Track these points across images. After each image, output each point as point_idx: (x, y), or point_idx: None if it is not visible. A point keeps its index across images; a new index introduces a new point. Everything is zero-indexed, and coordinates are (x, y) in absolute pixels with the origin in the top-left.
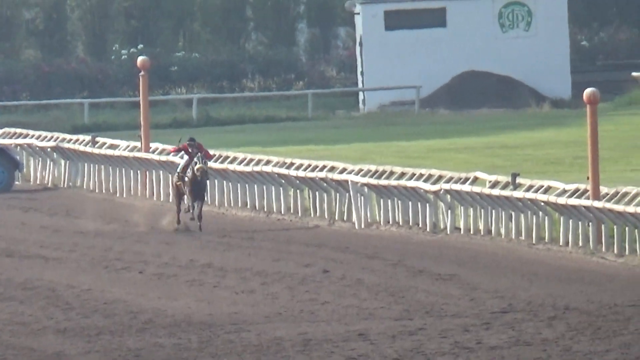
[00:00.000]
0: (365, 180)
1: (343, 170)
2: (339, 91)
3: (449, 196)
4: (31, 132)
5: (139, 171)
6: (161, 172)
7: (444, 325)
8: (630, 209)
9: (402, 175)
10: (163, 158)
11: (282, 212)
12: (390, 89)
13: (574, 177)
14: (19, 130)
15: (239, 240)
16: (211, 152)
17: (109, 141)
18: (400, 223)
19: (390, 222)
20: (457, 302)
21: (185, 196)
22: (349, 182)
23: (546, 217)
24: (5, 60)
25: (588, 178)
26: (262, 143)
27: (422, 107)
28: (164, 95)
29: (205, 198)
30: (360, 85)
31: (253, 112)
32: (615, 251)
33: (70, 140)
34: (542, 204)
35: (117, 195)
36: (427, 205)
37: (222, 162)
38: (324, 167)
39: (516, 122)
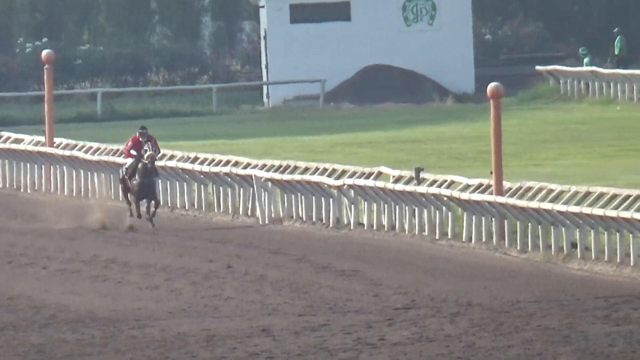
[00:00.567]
0: (269, 175)
1: (247, 165)
2: (244, 85)
3: (352, 191)
4: None
5: (43, 166)
6: (65, 167)
7: (347, 321)
8: (533, 204)
9: (306, 170)
10: (67, 153)
11: (186, 207)
12: (294, 82)
13: (478, 172)
14: None
15: (143, 235)
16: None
17: (13, 135)
18: (304, 218)
19: (294, 218)
20: (361, 298)
21: (129, 194)
22: (253, 177)
23: (449, 213)
24: None
25: (491, 173)
26: (166, 137)
27: (326, 102)
28: (68, 89)
29: (158, 197)
30: (264, 79)
31: (157, 106)
32: (518, 247)
33: None
34: (446, 199)
35: (22, 190)
36: (331, 200)
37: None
38: (228, 162)
39: (420, 116)
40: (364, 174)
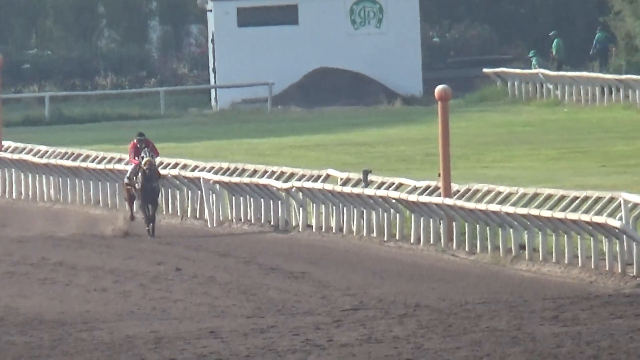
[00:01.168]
0: (217, 177)
1: (195, 168)
2: (191, 89)
3: (300, 194)
4: None
5: None
6: (13, 170)
7: (296, 322)
8: (482, 206)
9: (254, 172)
10: (15, 156)
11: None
12: (242, 86)
13: (426, 175)
14: None
15: (91, 238)
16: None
17: None
18: (252, 221)
19: (242, 220)
20: (309, 299)
21: (135, 202)
22: (201, 180)
23: (397, 215)
24: None
25: (439, 175)
26: (114, 141)
27: (274, 105)
28: (15, 93)
29: (159, 202)
30: (212, 82)
31: (105, 110)
32: (467, 249)
33: None
34: (394, 201)
35: None
36: (279, 202)
37: (74, 160)
38: (176, 164)
39: (368, 119)
40: (312, 176)
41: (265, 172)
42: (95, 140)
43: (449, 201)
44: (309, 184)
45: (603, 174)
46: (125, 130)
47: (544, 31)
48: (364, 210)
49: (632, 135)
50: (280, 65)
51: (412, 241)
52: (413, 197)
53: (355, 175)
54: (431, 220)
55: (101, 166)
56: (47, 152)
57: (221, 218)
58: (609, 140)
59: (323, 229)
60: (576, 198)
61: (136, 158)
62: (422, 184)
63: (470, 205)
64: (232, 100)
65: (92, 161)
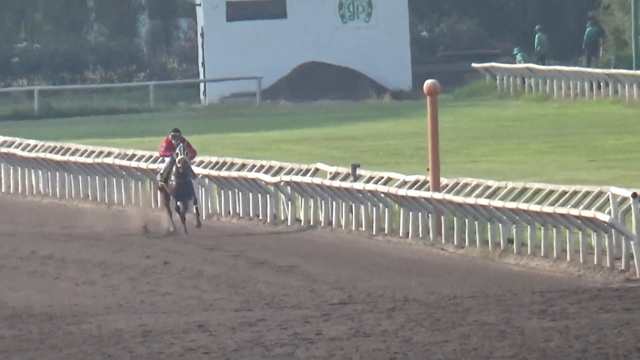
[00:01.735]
0: (206, 171)
1: None
2: (181, 83)
3: (289, 188)
4: None
5: None
6: (2, 164)
7: (284, 316)
8: (470, 200)
9: (243, 166)
10: (4, 150)
11: (124, 204)
12: (231, 80)
13: (414, 169)
14: None
15: (80, 231)
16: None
17: None
18: (241, 214)
19: (231, 214)
20: (297, 293)
21: (171, 201)
22: None
23: (386, 209)
24: None
25: (428, 169)
26: (103, 135)
27: (263, 99)
28: (5, 87)
29: (196, 196)
30: (201, 76)
31: (95, 104)
32: (455, 242)
33: None
34: (382, 195)
35: None
36: (268, 196)
37: (63, 154)
38: None
39: (357, 113)
40: (301, 170)
41: (254, 166)
42: (84, 134)
43: (437, 195)
44: (298, 178)
45: (592, 169)
46: (114, 124)
47: (533, 25)
48: (353, 204)
49: (621, 130)
50: (269, 60)
51: (400, 235)
52: (402, 191)
53: (344, 169)
54: (420, 214)
55: (90, 160)
56: (36, 146)
57: (210, 211)
58: (597, 135)
59: (312, 223)
60: (565, 192)
61: (167, 152)
62: (411, 178)
63: (459, 199)
64: (221, 95)
65: (82, 155)
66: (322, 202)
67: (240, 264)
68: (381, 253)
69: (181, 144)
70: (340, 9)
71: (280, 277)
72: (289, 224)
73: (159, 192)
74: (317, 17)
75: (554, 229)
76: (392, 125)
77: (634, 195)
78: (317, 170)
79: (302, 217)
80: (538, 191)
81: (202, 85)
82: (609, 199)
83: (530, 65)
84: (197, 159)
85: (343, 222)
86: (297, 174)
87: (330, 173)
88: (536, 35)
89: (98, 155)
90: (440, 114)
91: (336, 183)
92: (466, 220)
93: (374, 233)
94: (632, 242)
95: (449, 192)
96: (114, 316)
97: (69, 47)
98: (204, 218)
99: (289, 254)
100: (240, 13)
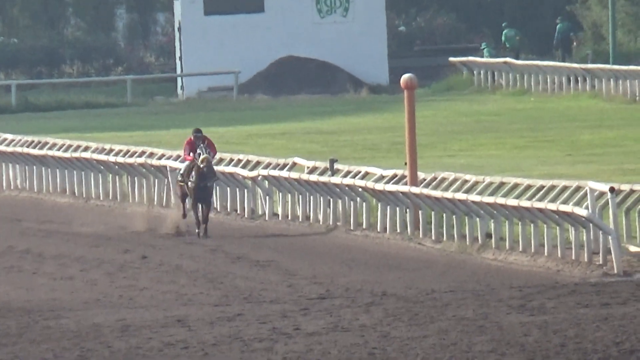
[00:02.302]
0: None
1: (162, 156)
2: (158, 77)
3: (267, 182)
4: None
5: None
6: None
7: (262, 311)
8: (448, 194)
9: (221, 160)
10: None
11: (101, 198)
12: (209, 74)
13: (392, 163)
14: None
15: (58, 226)
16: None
17: None
18: (219, 209)
19: None
20: (276, 288)
21: (188, 199)
22: (168, 168)
23: (364, 203)
24: None
25: (406, 164)
26: (81, 129)
27: (240, 93)
28: None
29: (213, 203)
30: (179, 71)
31: (72, 98)
32: (433, 237)
33: None
34: (360, 190)
35: None
36: (246, 191)
37: (41, 149)
38: (143, 153)
39: (334, 107)
40: (279, 165)
41: (232, 160)
42: (62, 129)
43: (415, 190)
44: (276, 173)
45: (569, 163)
46: (91, 118)
47: (510, 20)
48: (331, 199)
49: (598, 124)
50: (247, 54)
51: (378, 230)
52: (380, 186)
53: (322, 164)
54: (398, 208)
55: (68, 154)
56: (13, 140)
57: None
58: (575, 130)
59: (289, 218)
60: (543, 187)
61: (191, 154)
62: (389, 172)
63: (437, 193)
64: (199, 89)
65: (59, 149)
66: (300, 196)
67: (219, 258)
68: (359, 248)
69: (201, 144)
70: (317, 4)
71: (258, 272)
72: (266, 218)
73: (177, 188)
74: (295, 11)
75: (532, 224)
76: (370, 119)
77: (612, 189)
78: (294, 164)
79: (279, 212)
80: (516, 186)
81: (179, 80)
82: (586, 194)
83: (508, 59)
84: (174, 153)
85: (321, 217)
86: (274, 168)
87: (308, 167)
88: (503, 32)
89: (75, 150)
90: (418, 108)
91: (314, 177)
92: (444, 214)
93: (352, 228)
94: (609, 237)
95: (426, 186)
96: (92, 311)
97: (47, 41)
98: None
99: (267, 249)
100: (217, 7)
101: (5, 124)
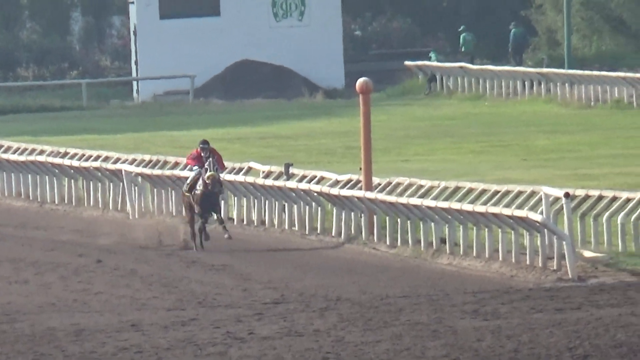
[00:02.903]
0: (139, 169)
1: (117, 160)
2: (113, 81)
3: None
4: None
5: None
6: None
7: (217, 315)
8: (403, 199)
9: (176, 165)
10: None
11: (56, 202)
12: (164, 78)
13: (347, 168)
14: None
15: (13, 230)
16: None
17: None
18: (174, 213)
19: (164, 212)
20: (230, 292)
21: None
22: (123, 172)
23: (319, 208)
24: None
25: (360, 169)
26: (36, 132)
27: (196, 97)
28: None
29: (221, 211)
30: (134, 74)
31: (27, 102)
32: (388, 242)
33: None
34: (315, 194)
35: None
36: None
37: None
38: (98, 156)
39: (289, 112)
40: (234, 169)
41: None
42: (16, 132)
43: (370, 195)
44: (231, 177)
45: (524, 168)
46: (47, 121)
47: (466, 24)
48: (286, 204)
49: (553, 129)
50: (202, 58)
51: (333, 234)
52: (334, 191)
53: (277, 168)
54: (352, 213)
55: (23, 158)
56: None
57: (143, 210)
58: (530, 134)
59: (245, 222)
60: (497, 192)
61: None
62: (344, 177)
63: (392, 198)
64: (154, 92)
65: (14, 153)
66: (255, 201)
67: (173, 262)
68: (314, 252)
69: (210, 159)
70: (273, 7)
71: (213, 276)
72: (136, 215)
73: (182, 200)
74: (251, 15)
75: (487, 229)
76: (325, 124)
77: (567, 195)
78: (250, 169)
79: (235, 216)
80: (471, 190)
81: (135, 83)
82: (541, 199)
83: (463, 64)
84: (130, 157)
85: (276, 221)
86: (230, 172)
87: (263, 172)
88: (461, 36)
89: (31, 153)
90: (373, 112)
91: (269, 182)
92: (399, 219)
93: (306, 232)
94: (564, 242)
95: (381, 191)
96: (47, 315)
97: (2, 44)
98: (136, 216)
99: (221, 253)
100: (173, 11)
101: None
